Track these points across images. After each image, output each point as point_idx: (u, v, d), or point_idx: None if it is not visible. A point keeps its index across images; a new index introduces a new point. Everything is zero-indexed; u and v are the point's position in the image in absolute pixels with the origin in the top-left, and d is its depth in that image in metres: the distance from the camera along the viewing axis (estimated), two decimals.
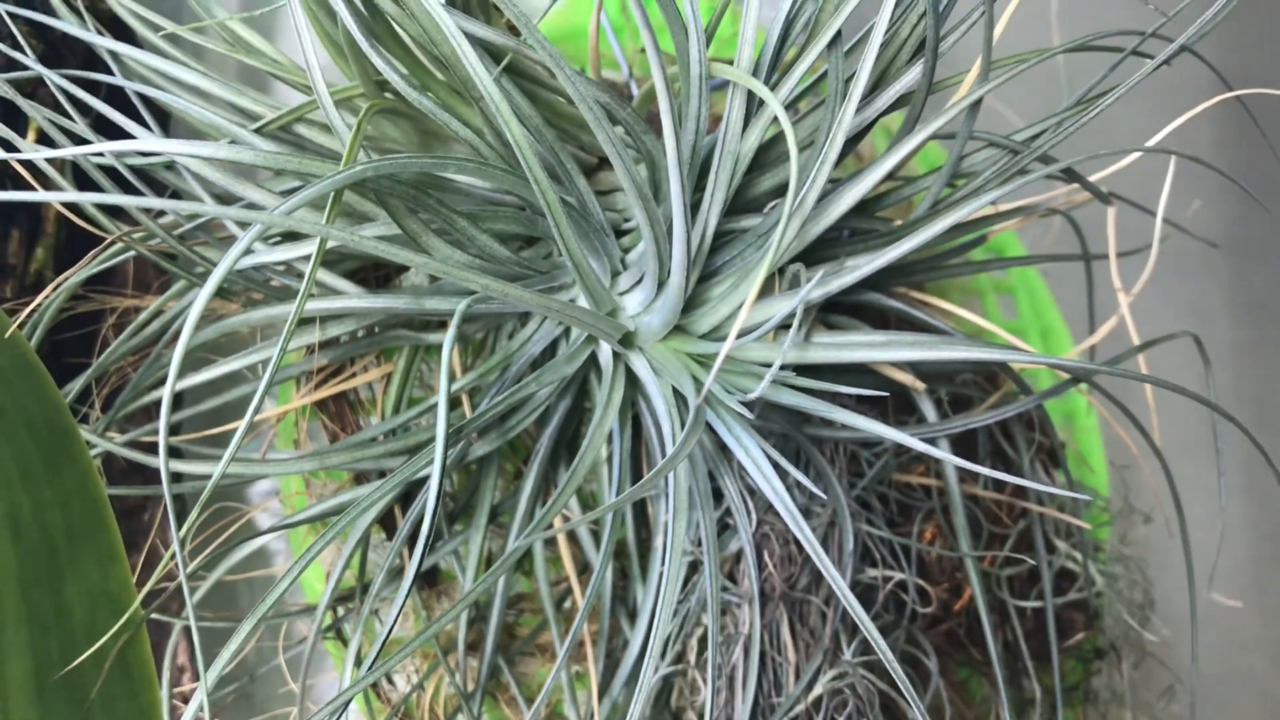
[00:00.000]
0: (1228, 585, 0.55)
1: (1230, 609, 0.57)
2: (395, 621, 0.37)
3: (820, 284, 0.39)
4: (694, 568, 0.45)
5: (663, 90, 0.33)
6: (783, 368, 0.40)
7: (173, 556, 0.32)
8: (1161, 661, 0.56)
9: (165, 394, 0.30)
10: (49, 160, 0.39)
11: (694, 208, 0.40)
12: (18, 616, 0.31)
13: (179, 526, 0.30)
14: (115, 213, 0.42)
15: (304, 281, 0.32)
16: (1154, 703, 0.56)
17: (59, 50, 0.45)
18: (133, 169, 0.39)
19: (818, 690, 0.43)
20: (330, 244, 0.39)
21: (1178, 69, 0.42)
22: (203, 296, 0.30)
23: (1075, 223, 0.49)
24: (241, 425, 0.32)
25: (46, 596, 0.32)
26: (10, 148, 0.42)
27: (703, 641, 0.45)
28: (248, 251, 0.40)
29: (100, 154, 0.38)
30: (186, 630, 0.47)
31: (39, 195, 0.28)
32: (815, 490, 0.37)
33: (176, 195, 0.43)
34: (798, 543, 0.45)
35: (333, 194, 0.34)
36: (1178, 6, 0.40)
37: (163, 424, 0.30)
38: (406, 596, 0.37)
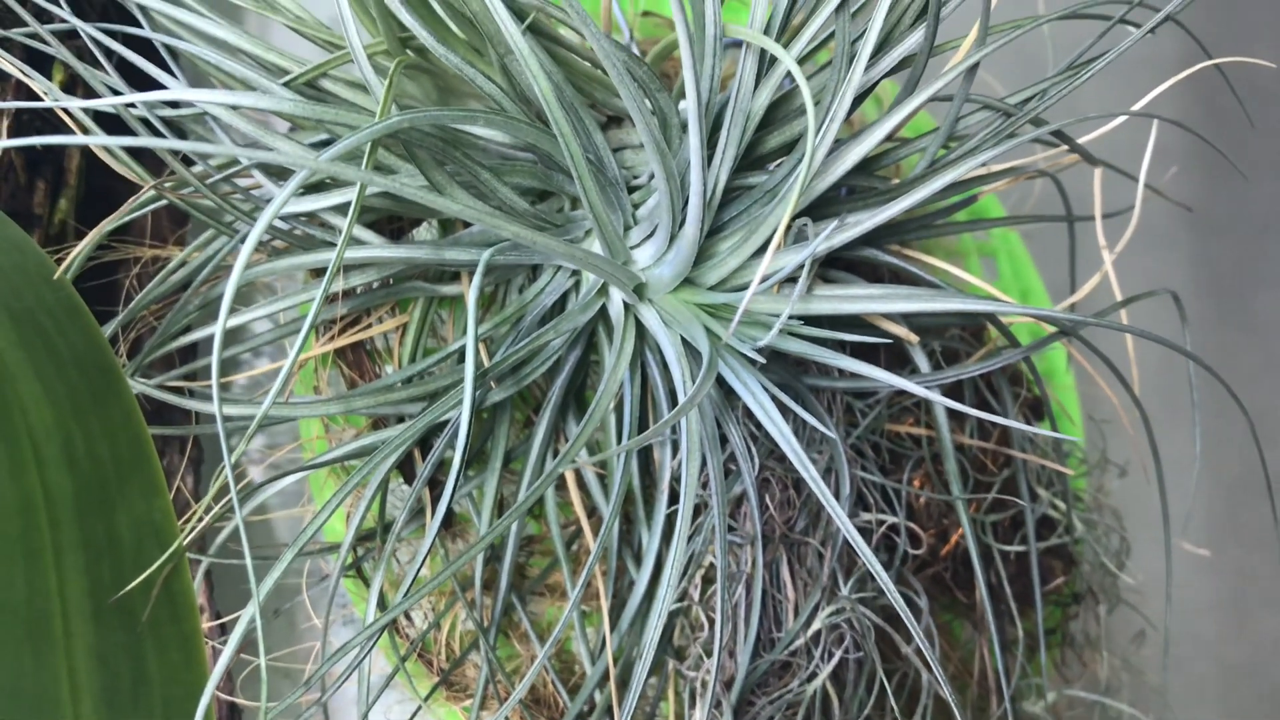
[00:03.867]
0: (1193, 537, 0.58)
1: (1190, 568, 0.60)
2: (425, 559, 0.39)
3: (828, 237, 0.41)
4: (695, 511, 0.47)
5: (685, 42, 0.34)
6: (789, 319, 0.42)
7: (222, 490, 0.34)
8: (1134, 607, 0.58)
9: (218, 330, 0.31)
10: (78, 109, 0.40)
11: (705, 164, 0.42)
12: (74, 542, 0.32)
13: (229, 453, 0.32)
14: (142, 163, 0.43)
15: (346, 223, 0.34)
16: (1126, 646, 0.59)
17: (80, 4, 0.46)
18: (163, 120, 0.41)
19: (817, 625, 0.45)
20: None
21: (1138, 48, 0.44)
22: (253, 236, 0.31)
23: (1060, 184, 0.52)
24: (286, 364, 0.33)
25: (99, 524, 0.33)
26: (36, 97, 0.43)
27: (707, 580, 0.47)
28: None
29: (133, 105, 0.40)
30: (206, 573, 0.48)
31: (85, 139, 0.29)
32: (822, 429, 0.39)
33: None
34: (796, 487, 0.48)
35: (369, 144, 0.35)
36: None
37: (215, 358, 0.31)
38: (434, 537, 0.39)
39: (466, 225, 0.46)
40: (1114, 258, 0.47)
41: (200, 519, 0.41)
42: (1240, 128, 0.53)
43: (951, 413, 0.50)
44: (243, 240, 0.41)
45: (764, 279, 0.40)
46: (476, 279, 0.38)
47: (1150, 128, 0.46)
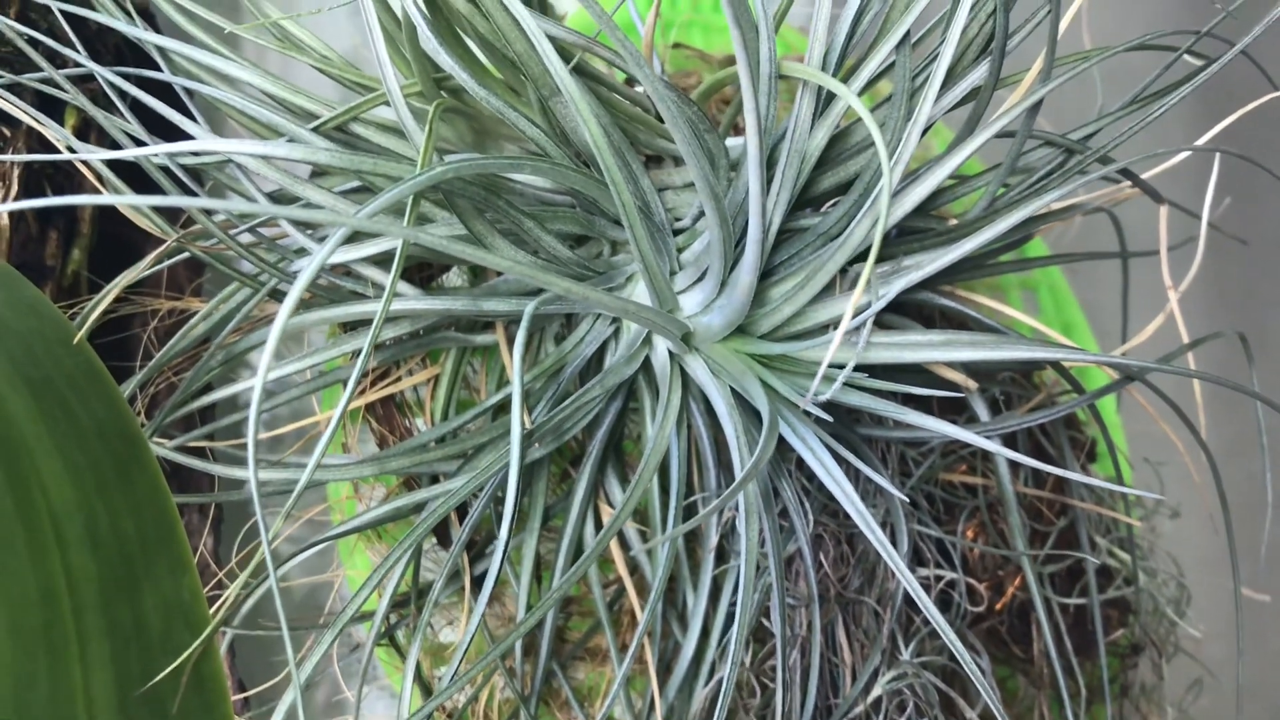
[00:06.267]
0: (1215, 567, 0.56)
1: (1202, 592, 0.58)
2: (470, 642, 0.37)
3: (886, 283, 0.39)
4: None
5: (747, 79, 0.32)
6: (842, 368, 0.40)
7: (247, 559, 0.31)
8: (1192, 656, 0.56)
9: (255, 388, 0.28)
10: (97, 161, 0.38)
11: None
12: (99, 630, 0.30)
13: (265, 528, 0.30)
14: (161, 212, 0.40)
15: (390, 279, 0.31)
16: (1182, 697, 0.57)
17: (94, 45, 0.44)
18: (184, 168, 0.38)
19: (877, 691, 0.43)
20: (393, 245, 0.38)
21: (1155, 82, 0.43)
22: (292, 295, 0.29)
23: (1117, 221, 0.50)
24: (331, 424, 0.31)
25: (125, 608, 0.31)
26: (51, 148, 0.41)
27: (759, 641, 0.44)
28: (302, 253, 0.39)
29: (155, 154, 0.37)
30: (229, 645, 0.46)
31: (111, 199, 0.27)
32: (884, 485, 0.37)
33: (222, 198, 0.42)
34: (850, 543, 0.45)
35: (412, 196, 0.33)
36: (1233, 4, 0.41)
37: (252, 419, 0.29)
38: (480, 620, 0.37)
39: (501, 271, 0.44)
40: (1179, 295, 0.45)
41: (225, 585, 0.38)
42: (1257, 152, 0.51)
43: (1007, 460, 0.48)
44: (271, 294, 0.39)
45: (832, 327, 0.38)
46: (520, 336, 0.35)
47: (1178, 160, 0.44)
